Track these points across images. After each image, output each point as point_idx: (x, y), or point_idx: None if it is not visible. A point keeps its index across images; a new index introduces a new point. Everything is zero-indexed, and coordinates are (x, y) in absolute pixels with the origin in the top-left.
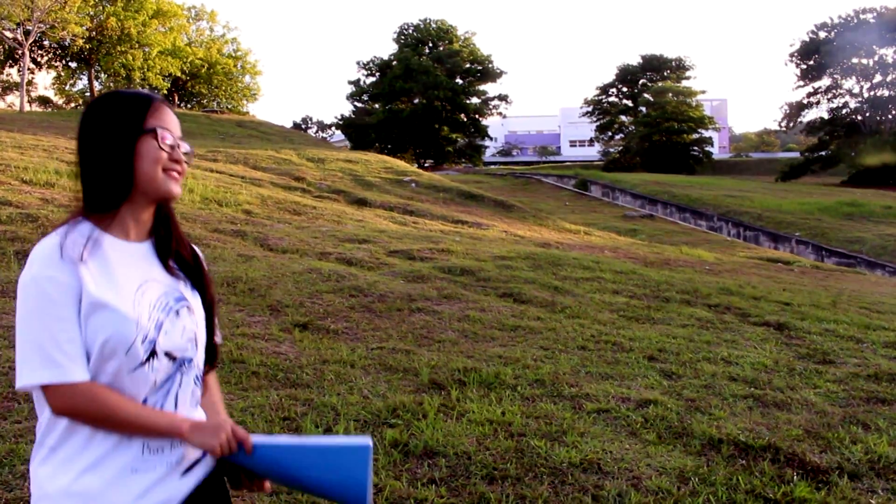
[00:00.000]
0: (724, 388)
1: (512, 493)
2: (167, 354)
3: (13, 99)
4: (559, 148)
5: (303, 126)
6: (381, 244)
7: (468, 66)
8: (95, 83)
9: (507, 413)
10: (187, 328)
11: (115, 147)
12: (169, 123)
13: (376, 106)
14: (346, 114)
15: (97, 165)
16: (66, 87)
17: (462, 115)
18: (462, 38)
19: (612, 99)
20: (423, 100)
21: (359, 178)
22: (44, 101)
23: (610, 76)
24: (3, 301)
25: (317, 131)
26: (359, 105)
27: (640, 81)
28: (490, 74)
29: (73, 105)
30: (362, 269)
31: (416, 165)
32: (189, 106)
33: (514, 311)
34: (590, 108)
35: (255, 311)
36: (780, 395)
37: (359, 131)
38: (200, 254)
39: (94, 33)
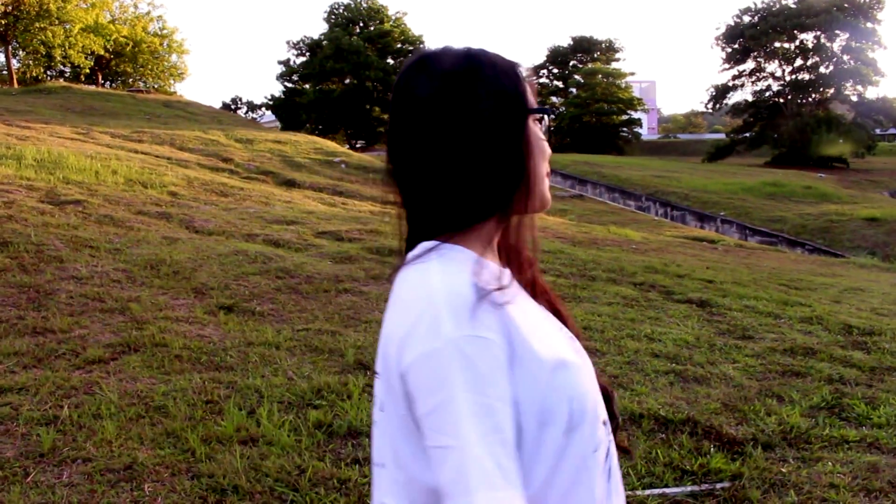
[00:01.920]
0: (646, 364)
1: None
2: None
3: None
4: None
5: (232, 107)
6: (310, 225)
7: (399, 46)
8: (13, 61)
9: None
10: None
11: (499, 132)
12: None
13: (307, 86)
14: (277, 94)
15: (465, 159)
16: None
17: None
18: (393, 18)
19: (542, 80)
20: (353, 80)
21: (288, 159)
22: None
23: (541, 57)
24: None
25: (247, 112)
26: (289, 85)
27: (571, 63)
28: None
29: None
30: (289, 250)
31: (348, 146)
32: (114, 85)
33: None
34: None
35: (180, 293)
36: (700, 370)
37: (289, 112)
38: None
39: (9, 8)
